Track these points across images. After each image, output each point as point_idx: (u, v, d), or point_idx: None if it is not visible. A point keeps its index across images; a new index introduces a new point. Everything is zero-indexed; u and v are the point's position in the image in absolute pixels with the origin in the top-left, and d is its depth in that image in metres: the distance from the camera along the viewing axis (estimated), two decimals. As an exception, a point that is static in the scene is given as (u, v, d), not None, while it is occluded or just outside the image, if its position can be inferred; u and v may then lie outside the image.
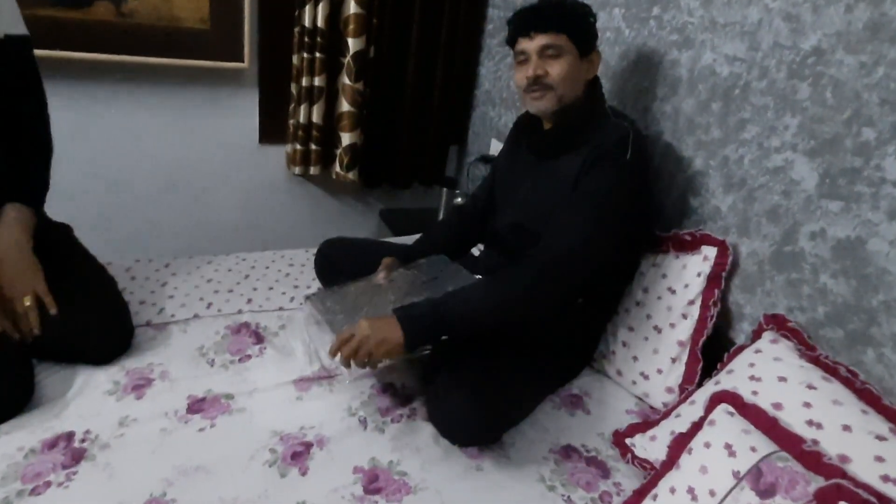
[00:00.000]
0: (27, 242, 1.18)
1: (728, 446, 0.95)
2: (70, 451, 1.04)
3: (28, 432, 1.07)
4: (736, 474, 0.90)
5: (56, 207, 1.40)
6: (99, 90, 1.95)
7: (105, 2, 1.82)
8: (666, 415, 1.19)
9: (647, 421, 1.24)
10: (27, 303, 1.13)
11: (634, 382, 1.36)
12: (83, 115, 1.95)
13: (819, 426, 0.95)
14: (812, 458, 0.89)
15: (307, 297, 1.38)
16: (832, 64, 1.09)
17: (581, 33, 1.23)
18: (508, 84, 2.15)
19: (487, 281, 1.20)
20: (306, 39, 2.03)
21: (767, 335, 1.14)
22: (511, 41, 1.28)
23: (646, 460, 1.15)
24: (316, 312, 1.33)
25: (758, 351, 1.12)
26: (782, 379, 1.04)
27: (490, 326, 1.20)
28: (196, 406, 1.18)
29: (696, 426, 1.04)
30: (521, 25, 1.25)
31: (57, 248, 1.31)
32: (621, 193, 1.20)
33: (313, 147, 2.20)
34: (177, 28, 1.93)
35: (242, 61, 2.04)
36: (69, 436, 1.07)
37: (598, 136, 1.24)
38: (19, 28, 1.22)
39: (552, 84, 1.23)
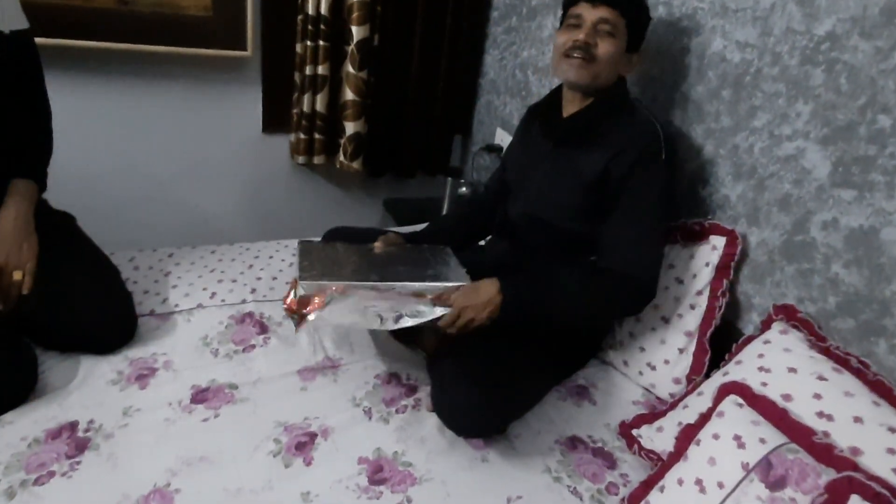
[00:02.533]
0: (31, 219, 1.21)
1: (737, 438, 0.94)
2: (74, 441, 1.04)
3: (32, 422, 1.06)
4: (745, 466, 0.89)
5: (58, 197, 1.39)
6: (99, 79, 1.94)
7: (106, -11, 1.80)
8: (673, 406, 1.18)
9: (654, 412, 1.23)
10: (17, 277, 1.14)
11: (641, 373, 1.34)
12: (84, 104, 1.93)
13: (830, 418, 0.94)
14: (823, 450, 0.88)
15: (301, 242, 1.35)
16: (847, 49, 1.06)
17: (639, 27, 1.25)
18: (514, 73, 2.12)
19: (581, 287, 1.21)
20: (310, 27, 2.01)
21: (777, 326, 1.13)
22: (570, 2, 1.25)
23: (652, 451, 1.14)
24: (299, 257, 1.27)
25: (767, 342, 1.11)
26: (792, 370, 1.02)
27: (565, 324, 1.27)
28: (200, 396, 1.17)
29: (705, 417, 1.02)
30: None
31: (60, 237, 1.30)
32: (666, 194, 1.23)
33: (317, 136, 2.18)
34: (179, 16, 1.90)
35: (245, 49, 2.02)
36: (73, 425, 1.07)
37: (624, 131, 1.22)
38: (22, 23, 1.23)
39: (597, 57, 1.20)
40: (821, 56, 1.11)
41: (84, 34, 1.80)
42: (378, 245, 1.36)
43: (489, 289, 1.15)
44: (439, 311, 1.15)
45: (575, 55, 1.21)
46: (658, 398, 1.32)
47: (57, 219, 1.38)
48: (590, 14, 1.20)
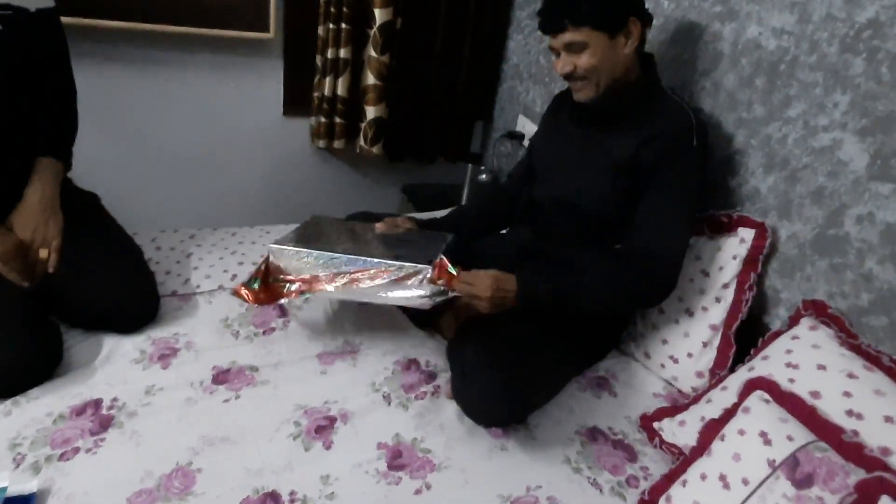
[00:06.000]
0: (56, 196, 1.23)
1: (763, 434, 0.92)
2: (98, 418, 1.05)
3: (57, 398, 1.08)
4: (771, 463, 0.88)
5: (82, 176, 1.40)
6: (124, 59, 1.94)
7: (131, -31, 1.79)
8: (696, 399, 1.17)
9: (676, 405, 1.21)
10: (42, 255, 1.16)
11: (663, 366, 1.33)
12: (108, 84, 1.94)
13: (860, 417, 0.92)
14: (852, 450, 0.86)
15: (312, 216, 1.44)
16: (890, 38, 1.03)
17: (603, 18, 1.15)
18: (538, 58, 2.09)
19: (604, 274, 1.20)
20: (332, 9, 1.99)
21: (806, 321, 1.10)
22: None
23: (674, 445, 1.12)
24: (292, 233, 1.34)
25: (795, 337, 1.08)
26: (821, 367, 1.00)
27: (591, 312, 1.24)
28: (221, 377, 1.18)
29: (730, 412, 1.01)
30: (542, 24, 1.22)
31: (85, 216, 1.32)
32: (696, 182, 1.20)
33: (338, 120, 2.17)
34: (203, -4, 1.90)
35: (268, 31, 2.01)
36: (97, 403, 1.08)
37: (656, 116, 1.20)
38: (47, 1, 1.23)
39: (584, 75, 1.20)
40: (862, 44, 1.07)
41: (109, 14, 1.80)
42: (380, 225, 1.37)
43: (510, 278, 1.14)
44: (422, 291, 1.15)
45: (569, 81, 1.24)
46: (680, 391, 1.31)
47: (82, 198, 1.39)
48: (556, 43, 1.21)
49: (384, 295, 1.17)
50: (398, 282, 1.17)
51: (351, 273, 1.19)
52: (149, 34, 1.89)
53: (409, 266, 1.15)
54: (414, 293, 1.16)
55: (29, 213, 1.18)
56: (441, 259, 1.16)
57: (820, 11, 1.14)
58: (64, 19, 1.29)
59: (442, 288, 1.16)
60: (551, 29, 1.19)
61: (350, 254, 1.19)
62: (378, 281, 1.17)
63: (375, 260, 1.18)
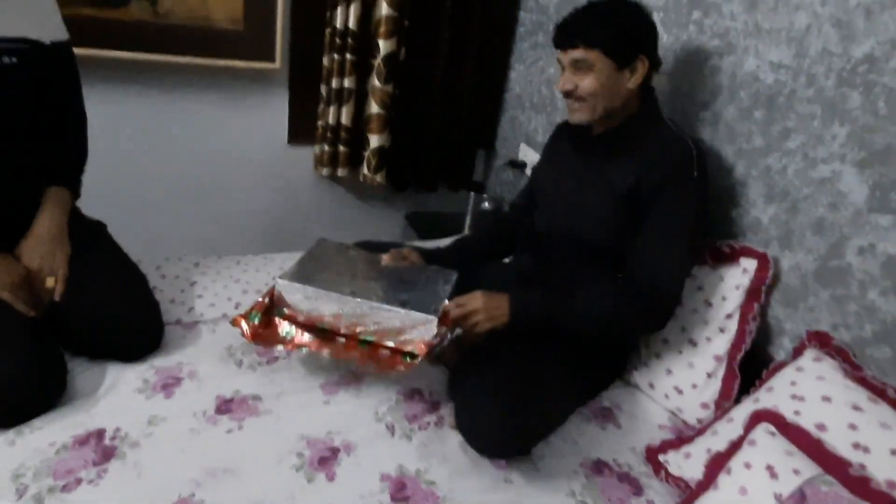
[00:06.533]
0: (65, 226, 1.25)
1: (770, 468, 0.92)
2: (101, 449, 1.04)
3: (60, 428, 1.07)
4: (778, 497, 0.87)
5: (89, 204, 1.42)
6: (132, 88, 1.98)
7: (141, 1, 1.84)
8: (701, 431, 1.16)
9: (682, 437, 1.20)
10: (49, 284, 1.17)
11: (667, 396, 1.32)
12: (115, 113, 1.97)
13: (866, 450, 0.91)
14: (859, 484, 0.85)
15: (319, 239, 1.47)
16: (886, 72, 1.05)
17: (615, 46, 1.18)
18: (539, 88, 2.12)
19: (599, 296, 1.21)
20: (337, 41, 2.03)
21: (810, 352, 1.10)
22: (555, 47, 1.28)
23: (680, 478, 1.11)
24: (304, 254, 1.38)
25: (800, 369, 1.08)
26: (826, 399, 1.00)
27: (585, 336, 1.25)
28: (224, 407, 1.18)
29: (735, 445, 1.00)
30: (556, 38, 1.24)
31: (91, 244, 1.33)
32: (696, 212, 1.21)
33: (341, 148, 2.20)
34: (211, 28, 1.94)
35: (274, 61, 2.05)
36: (100, 433, 1.08)
37: (656, 146, 1.22)
38: (62, 34, 1.27)
39: (583, 97, 1.22)
40: (858, 78, 1.09)
41: (120, 45, 1.84)
42: (386, 257, 1.38)
43: (501, 301, 1.18)
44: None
45: (568, 100, 1.26)
46: (685, 423, 1.30)
47: (89, 226, 1.40)
48: (565, 58, 1.23)
49: (388, 343, 1.20)
50: (402, 330, 1.19)
51: (357, 315, 1.20)
52: (159, 64, 1.93)
53: (415, 315, 1.17)
54: (416, 339, 1.18)
55: (37, 242, 1.19)
56: (445, 306, 1.20)
57: (816, 46, 1.17)
58: (77, 50, 1.32)
59: (443, 331, 1.18)
60: (563, 43, 1.22)
61: (357, 295, 1.20)
62: (382, 326, 1.20)
63: (384, 307, 1.19)
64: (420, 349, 1.17)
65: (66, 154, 1.33)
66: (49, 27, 1.23)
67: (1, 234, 1.18)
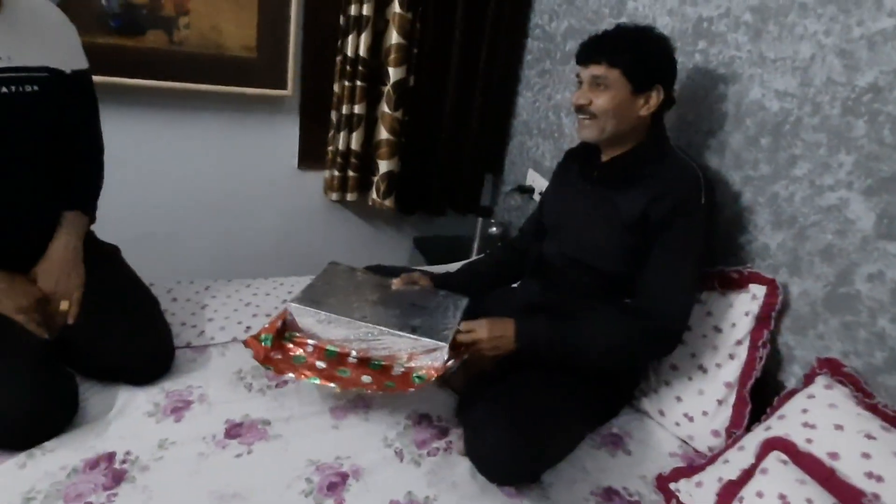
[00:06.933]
0: (80, 250, 1.27)
1: (782, 496, 0.91)
2: (111, 472, 1.05)
3: (71, 451, 1.08)
4: (792, 528, 0.86)
5: (104, 227, 1.44)
6: (149, 114, 2.02)
7: (158, 30, 1.89)
8: (712, 460, 1.15)
9: (693, 465, 1.19)
10: (63, 307, 1.19)
11: (678, 424, 1.31)
12: (131, 139, 2.01)
13: (879, 479, 0.90)
14: (874, 514, 0.85)
15: (330, 263, 1.50)
16: (890, 101, 1.06)
17: (635, 70, 1.20)
18: (547, 114, 2.15)
19: (606, 323, 1.22)
20: (348, 68, 2.07)
21: (821, 380, 1.10)
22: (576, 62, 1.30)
23: (691, 507, 1.10)
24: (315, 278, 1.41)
25: (811, 396, 1.08)
26: (838, 427, 0.99)
27: (590, 365, 1.25)
28: (234, 431, 1.18)
29: (748, 474, 1.00)
30: (580, 52, 1.27)
31: (105, 268, 1.35)
32: (704, 240, 1.22)
33: (351, 174, 2.23)
34: (224, 56, 1.98)
35: (286, 88, 2.09)
36: (110, 456, 1.08)
37: (664, 174, 1.23)
38: (83, 62, 1.30)
39: (595, 113, 1.24)
40: (863, 107, 1.11)
41: (137, 72, 1.88)
42: (396, 281, 1.39)
43: (507, 328, 1.21)
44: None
45: (580, 115, 1.27)
46: (696, 451, 1.29)
47: (103, 250, 1.42)
48: (584, 73, 1.26)
49: (398, 368, 1.21)
50: (412, 356, 1.20)
51: (367, 339, 1.22)
52: (173, 91, 1.97)
53: (426, 341, 1.18)
54: (426, 365, 1.19)
55: (53, 266, 1.21)
56: (456, 333, 1.21)
57: (821, 76, 1.19)
58: (95, 78, 1.35)
59: (453, 358, 1.19)
60: (586, 58, 1.24)
61: (368, 320, 1.22)
62: (392, 351, 1.21)
63: (395, 332, 1.20)
64: (430, 375, 1.17)
65: (84, 179, 1.35)
66: (70, 56, 1.26)
67: (17, 257, 1.20)
